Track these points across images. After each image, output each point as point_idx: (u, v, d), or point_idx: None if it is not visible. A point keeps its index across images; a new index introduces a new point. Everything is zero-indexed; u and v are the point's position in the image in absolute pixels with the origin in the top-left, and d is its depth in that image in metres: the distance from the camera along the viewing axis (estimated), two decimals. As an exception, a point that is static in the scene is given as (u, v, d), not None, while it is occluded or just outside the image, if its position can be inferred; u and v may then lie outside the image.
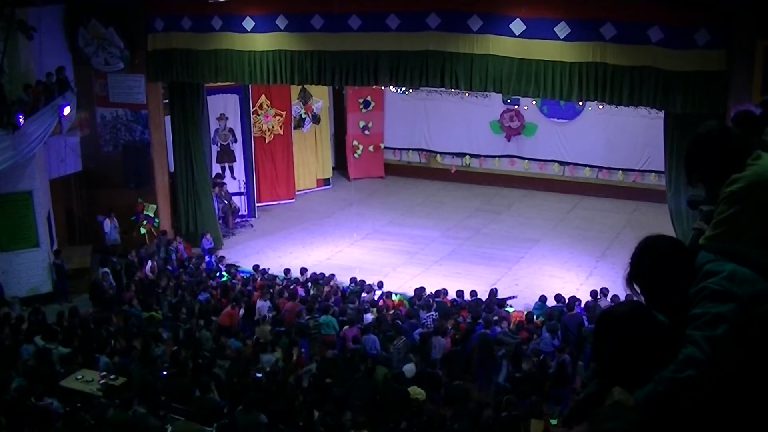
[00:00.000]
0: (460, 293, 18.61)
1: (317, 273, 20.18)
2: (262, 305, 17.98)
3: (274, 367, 14.86)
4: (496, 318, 16.80)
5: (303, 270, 20.47)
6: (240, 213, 25.83)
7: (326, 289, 19.22)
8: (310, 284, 19.63)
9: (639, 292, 3.59)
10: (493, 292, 18.61)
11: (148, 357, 14.89)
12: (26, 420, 11.60)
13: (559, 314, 17.18)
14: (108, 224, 22.61)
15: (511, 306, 18.50)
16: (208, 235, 22.62)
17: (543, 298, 18.13)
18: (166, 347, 15.79)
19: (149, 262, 20.55)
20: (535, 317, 17.62)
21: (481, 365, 16.09)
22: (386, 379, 14.14)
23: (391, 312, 18.09)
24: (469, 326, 16.75)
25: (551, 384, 15.08)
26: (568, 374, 15.10)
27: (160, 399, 12.79)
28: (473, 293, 18.80)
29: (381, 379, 14.08)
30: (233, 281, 19.93)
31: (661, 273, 3.50)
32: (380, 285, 19.49)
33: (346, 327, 16.81)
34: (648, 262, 3.54)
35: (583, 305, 17.69)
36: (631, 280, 3.58)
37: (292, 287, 19.09)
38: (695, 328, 3.32)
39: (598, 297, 17.89)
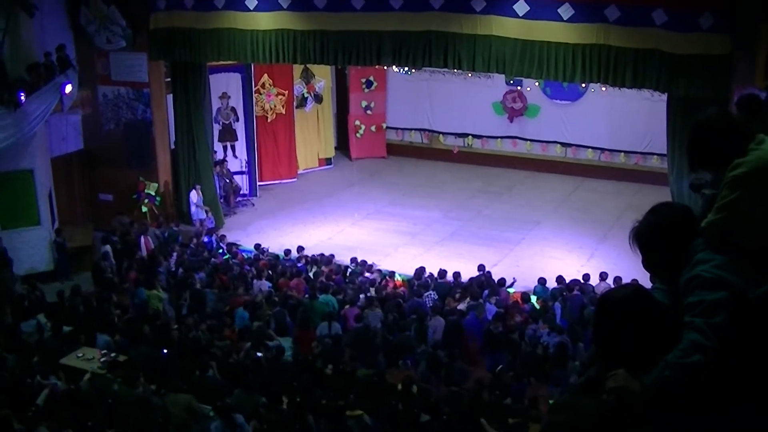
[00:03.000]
0: (456, 275, 18.60)
1: (315, 255, 20.22)
2: (260, 284, 17.96)
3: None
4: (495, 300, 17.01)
5: (300, 248, 20.49)
6: (241, 192, 25.82)
7: (324, 269, 19.25)
8: (305, 264, 19.63)
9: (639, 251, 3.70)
10: (488, 275, 18.70)
11: (149, 336, 14.96)
12: (28, 399, 11.67)
13: (560, 295, 17.27)
14: (195, 196, 22.72)
15: (511, 288, 18.52)
16: (210, 214, 22.64)
17: (542, 281, 18.15)
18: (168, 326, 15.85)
19: (142, 238, 20.60)
20: (535, 300, 17.63)
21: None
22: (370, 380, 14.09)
23: (393, 290, 18.20)
24: (470, 307, 16.80)
25: (551, 366, 15.14)
26: (567, 356, 15.13)
27: (162, 378, 12.84)
28: (481, 267, 18.87)
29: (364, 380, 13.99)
30: (234, 260, 19.95)
31: (662, 236, 3.61)
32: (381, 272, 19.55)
33: (346, 306, 16.85)
34: (652, 221, 3.66)
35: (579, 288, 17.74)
36: (633, 238, 3.70)
37: (294, 268, 19.13)
38: (695, 315, 3.35)
39: (589, 281, 18.03)
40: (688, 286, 3.46)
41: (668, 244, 3.60)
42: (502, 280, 18.21)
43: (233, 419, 11.18)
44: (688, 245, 3.57)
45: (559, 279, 18.11)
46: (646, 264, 3.74)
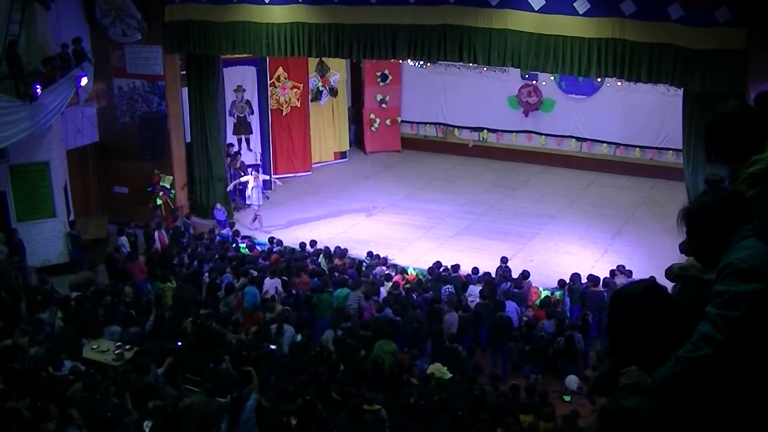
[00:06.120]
0: (475, 270, 18.55)
1: (326, 247, 20.23)
2: (270, 284, 17.86)
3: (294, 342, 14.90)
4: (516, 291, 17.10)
5: (313, 242, 20.53)
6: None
7: (337, 262, 19.24)
8: (322, 258, 19.62)
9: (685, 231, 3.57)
10: (505, 260, 18.79)
11: (162, 328, 14.99)
12: (44, 389, 11.71)
13: (576, 289, 17.24)
14: (253, 180, 22.88)
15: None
16: (218, 205, 22.68)
17: (562, 283, 17.98)
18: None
19: (156, 233, 20.66)
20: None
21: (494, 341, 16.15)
22: (395, 355, 14.13)
23: (407, 286, 18.18)
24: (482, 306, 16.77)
25: (561, 360, 15.12)
26: (576, 350, 15.11)
27: (177, 369, 12.87)
28: (504, 259, 18.89)
29: (389, 361, 14.06)
30: (250, 254, 19.96)
31: (713, 217, 3.48)
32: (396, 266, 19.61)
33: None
34: (704, 201, 3.57)
35: (601, 284, 17.60)
36: (683, 217, 3.57)
37: (304, 263, 19.11)
38: (715, 305, 3.26)
39: (616, 275, 17.93)
40: (721, 273, 3.33)
41: (717, 227, 3.44)
42: (526, 273, 18.18)
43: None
44: (735, 230, 3.43)
45: (575, 276, 17.98)
46: (690, 245, 3.62)
